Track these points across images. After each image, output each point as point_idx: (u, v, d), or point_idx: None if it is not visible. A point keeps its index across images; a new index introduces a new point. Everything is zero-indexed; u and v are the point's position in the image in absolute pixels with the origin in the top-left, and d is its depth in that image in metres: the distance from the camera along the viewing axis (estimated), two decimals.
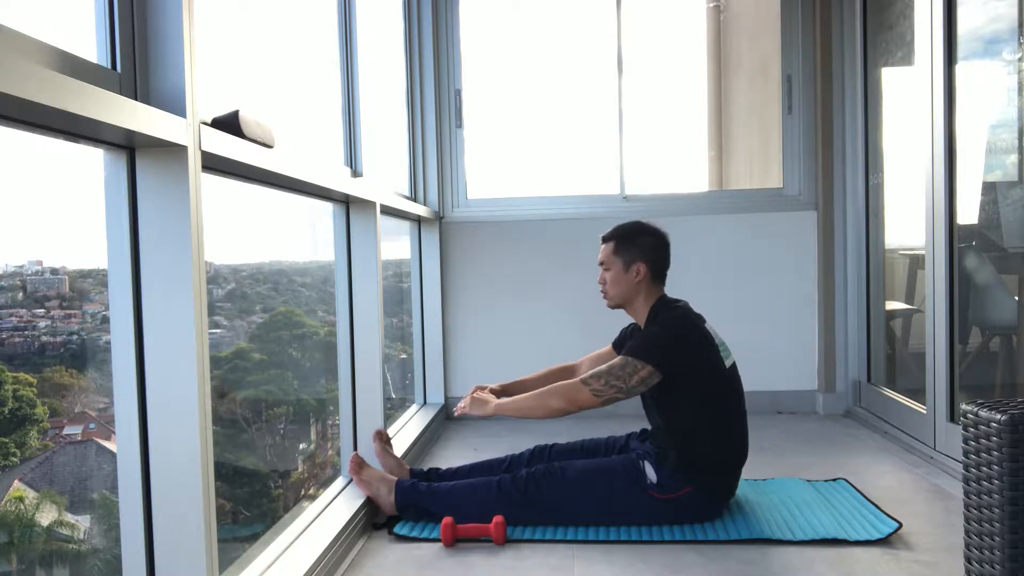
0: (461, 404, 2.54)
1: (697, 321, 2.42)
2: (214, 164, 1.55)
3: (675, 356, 2.33)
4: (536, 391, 2.43)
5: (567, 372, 2.72)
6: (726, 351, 2.42)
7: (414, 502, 2.38)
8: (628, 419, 3.77)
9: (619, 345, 2.67)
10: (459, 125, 4.07)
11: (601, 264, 2.51)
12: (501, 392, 2.60)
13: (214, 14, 1.76)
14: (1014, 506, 1.55)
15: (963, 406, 1.69)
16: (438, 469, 2.64)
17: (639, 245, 2.46)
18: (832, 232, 3.89)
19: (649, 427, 2.56)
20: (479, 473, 2.56)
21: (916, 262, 3.42)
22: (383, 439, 2.63)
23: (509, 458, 2.60)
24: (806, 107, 3.92)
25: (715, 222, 3.95)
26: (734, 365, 2.44)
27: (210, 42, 1.59)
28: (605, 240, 2.53)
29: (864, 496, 2.52)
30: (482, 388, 2.58)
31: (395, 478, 2.45)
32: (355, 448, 2.62)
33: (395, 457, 2.63)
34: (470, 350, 4.02)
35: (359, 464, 2.45)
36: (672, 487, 2.30)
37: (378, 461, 2.60)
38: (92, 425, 2.00)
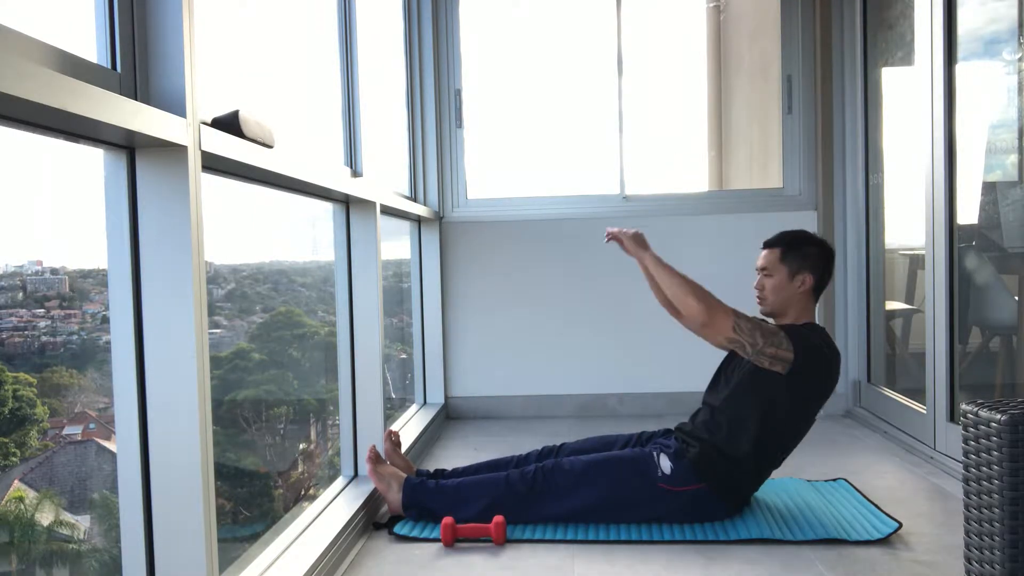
0: (619, 229, 2.49)
1: (839, 364, 2.39)
2: (214, 164, 1.55)
3: (812, 367, 2.30)
4: (686, 276, 2.37)
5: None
6: (824, 405, 2.41)
7: (420, 501, 2.38)
8: (629, 419, 3.77)
9: None
10: (459, 125, 4.07)
11: (763, 270, 2.45)
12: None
13: (214, 14, 1.76)
14: (1014, 506, 1.55)
15: (963, 406, 1.69)
16: (443, 470, 2.63)
17: (808, 255, 2.42)
18: (832, 232, 3.89)
19: (653, 427, 2.55)
20: (485, 472, 2.55)
21: (916, 262, 3.42)
22: (393, 439, 2.63)
23: (516, 458, 2.60)
24: (806, 107, 3.92)
25: (715, 222, 3.95)
26: (816, 420, 2.43)
27: (210, 42, 1.59)
28: (769, 245, 2.47)
29: (864, 496, 2.52)
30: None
31: (405, 475, 2.46)
32: (355, 448, 2.62)
33: (403, 458, 2.63)
34: (470, 350, 4.02)
35: (376, 456, 2.45)
36: (683, 481, 2.30)
37: (387, 461, 2.60)
38: (92, 425, 2.00)
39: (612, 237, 2.50)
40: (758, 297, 2.47)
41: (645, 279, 2.56)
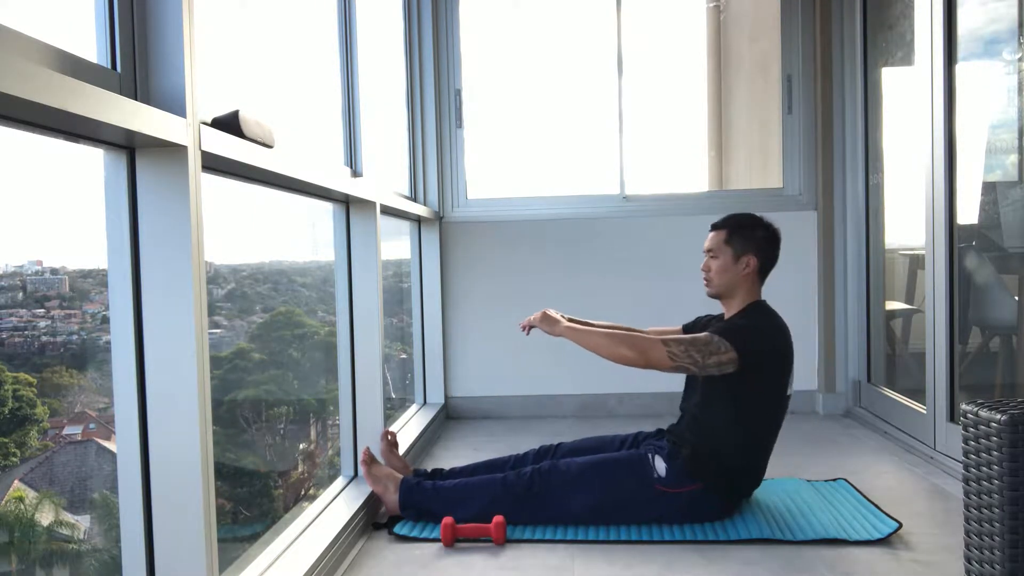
0: (530, 318, 2.51)
1: (789, 338, 2.40)
2: (214, 164, 1.55)
3: (761, 360, 2.31)
4: (610, 332, 2.39)
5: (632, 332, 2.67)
6: (792, 379, 2.41)
7: (417, 502, 2.38)
8: (629, 419, 3.77)
9: (690, 329, 2.64)
10: (459, 125, 4.07)
11: (708, 252, 2.47)
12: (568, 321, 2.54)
13: (214, 14, 1.76)
14: (1014, 506, 1.55)
15: (963, 406, 1.69)
16: (441, 470, 2.64)
17: (753, 238, 2.43)
18: (832, 232, 3.89)
19: (654, 427, 2.55)
20: (483, 472, 2.56)
21: (916, 262, 3.42)
22: (390, 439, 2.63)
23: (513, 458, 2.60)
24: (806, 107, 3.92)
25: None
26: (791, 396, 2.43)
27: (210, 42, 1.59)
28: (716, 228, 2.49)
29: (864, 496, 2.52)
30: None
31: (401, 476, 2.46)
32: (355, 448, 2.62)
33: (400, 458, 2.63)
34: (470, 350, 4.02)
35: (371, 458, 2.45)
36: (679, 482, 2.30)
37: (384, 461, 2.60)
38: (92, 425, 2.00)
39: (526, 328, 2.52)
40: (704, 279, 2.48)
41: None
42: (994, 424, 1.58)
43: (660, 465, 2.32)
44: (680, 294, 3.91)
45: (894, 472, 2.88)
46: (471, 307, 4.02)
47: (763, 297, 2.48)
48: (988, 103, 3.02)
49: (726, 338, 2.29)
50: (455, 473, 2.59)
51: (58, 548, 1.87)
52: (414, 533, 2.31)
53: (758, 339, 2.33)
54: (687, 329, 2.66)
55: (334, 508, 2.30)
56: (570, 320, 2.56)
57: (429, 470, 2.64)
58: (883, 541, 2.17)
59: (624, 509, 2.33)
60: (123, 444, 1.38)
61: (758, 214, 2.50)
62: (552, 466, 2.36)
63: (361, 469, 2.44)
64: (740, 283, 2.43)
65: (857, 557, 2.09)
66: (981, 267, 3.06)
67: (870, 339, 3.77)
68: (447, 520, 2.23)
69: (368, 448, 2.49)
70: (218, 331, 2.51)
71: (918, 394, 3.17)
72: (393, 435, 2.65)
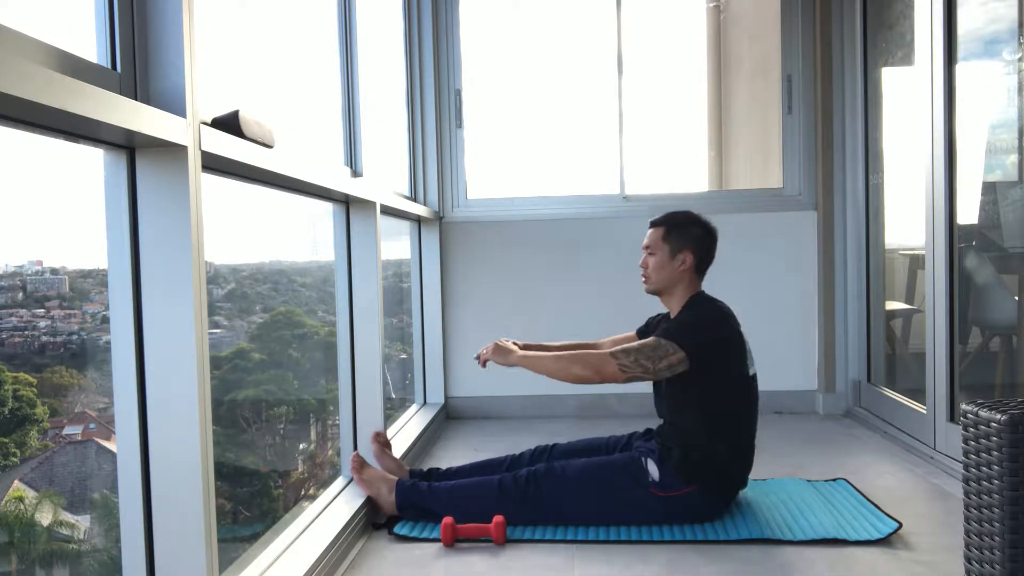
0: (483, 351, 2.53)
1: (734, 323, 2.42)
2: (214, 164, 1.55)
3: (708, 351, 2.33)
4: (561, 354, 2.42)
5: (588, 348, 2.70)
6: (751, 360, 2.42)
7: (415, 502, 2.38)
8: (629, 419, 3.77)
9: (644, 332, 2.66)
10: (459, 125, 4.07)
11: (646, 248, 2.49)
12: (522, 348, 2.57)
13: (214, 14, 1.76)
14: (1014, 506, 1.55)
15: (963, 406, 1.69)
16: (438, 469, 2.64)
17: (689, 235, 2.46)
18: (832, 232, 3.89)
19: (654, 426, 2.55)
20: (479, 473, 2.56)
21: (916, 262, 3.42)
22: (381, 441, 2.63)
23: (509, 458, 2.60)
24: (806, 107, 3.92)
25: (715, 222, 3.93)
26: (755, 375, 2.44)
27: (210, 42, 1.59)
28: (654, 225, 2.51)
29: (864, 496, 2.52)
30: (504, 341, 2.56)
31: (396, 478, 2.45)
32: (355, 448, 2.62)
33: (394, 459, 2.63)
34: (470, 350, 4.01)
35: (360, 463, 2.45)
36: (674, 485, 2.30)
37: (376, 463, 2.60)
38: (92, 425, 2.00)
39: (481, 361, 2.54)
40: (642, 275, 2.50)
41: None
42: (994, 424, 1.58)
43: (653, 469, 2.32)
44: None
45: (894, 472, 2.88)
46: (471, 307, 4.02)
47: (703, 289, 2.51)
48: (988, 103, 3.02)
49: (671, 339, 2.31)
50: (451, 473, 2.59)
51: (58, 548, 1.87)
52: (414, 533, 2.31)
53: (701, 331, 2.35)
54: (640, 332, 2.68)
55: (334, 508, 2.30)
56: (524, 346, 2.60)
57: (425, 469, 2.64)
58: (883, 541, 2.17)
59: (621, 514, 2.33)
60: (123, 444, 1.38)
61: (695, 212, 2.53)
62: (548, 469, 2.36)
63: (353, 475, 2.44)
64: (677, 279, 2.46)
65: (857, 557, 2.09)
66: (981, 267, 3.06)
67: (870, 339, 3.77)
68: (447, 520, 2.23)
69: (356, 453, 2.49)
70: (218, 331, 2.52)
71: (918, 394, 3.17)
72: (384, 436, 2.64)
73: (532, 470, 2.37)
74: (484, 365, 2.55)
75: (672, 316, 2.49)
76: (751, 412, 2.42)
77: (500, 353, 2.48)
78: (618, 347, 2.36)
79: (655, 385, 2.48)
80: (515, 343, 2.57)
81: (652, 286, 2.49)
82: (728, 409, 2.37)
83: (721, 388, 2.35)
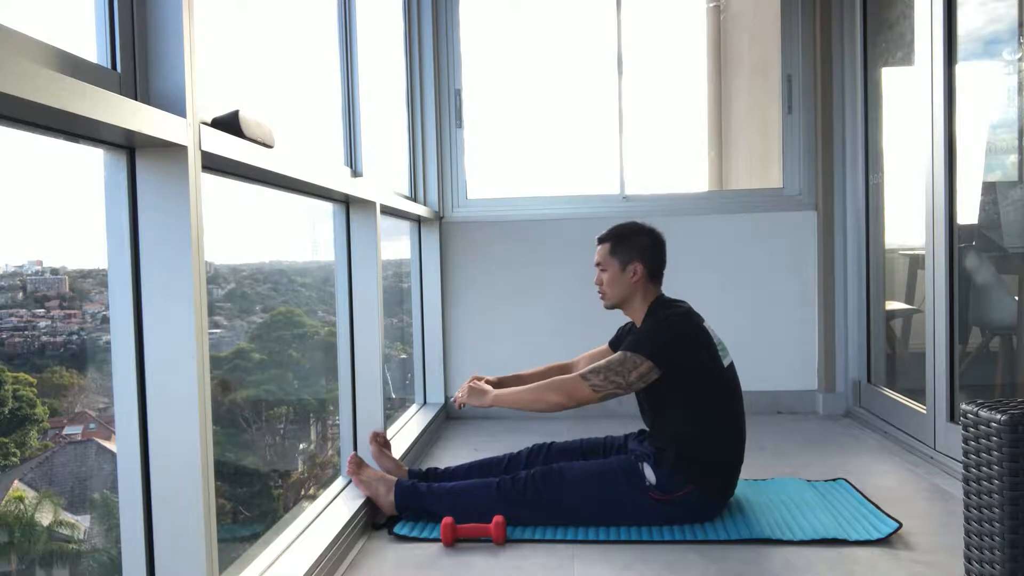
0: (459, 394, 2.55)
1: (695, 319, 2.43)
2: (214, 164, 1.55)
3: (673, 352, 2.34)
4: (534, 384, 2.44)
5: (564, 370, 2.72)
6: (724, 350, 2.43)
7: (413, 503, 2.38)
8: (628, 419, 3.77)
9: (616, 343, 2.68)
10: (459, 125, 4.07)
11: (598, 265, 2.53)
12: (497, 384, 2.60)
13: (214, 14, 1.76)
14: (1014, 506, 1.55)
15: (963, 406, 1.69)
16: (436, 469, 2.64)
17: (635, 245, 2.48)
18: (832, 232, 3.89)
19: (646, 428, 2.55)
20: (477, 473, 2.56)
21: (916, 262, 3.42)
22: (380, 441, 2.63)
23: (507, 457, 2.60)
24: (806, 107, 3.92)
25: (715, 222, 3.95)
26: (732, 365, 2.44)
27: (210, 42, 1.59)
28: (601, 241, 2.55)
29: (864, 496, 2.52)
30: (479, 378, 2.59)
31: (394, 478, 2.45)
32: (355, 448, 2.62)
33: (392, 459, 2.62)
34: (470, 350, 4.02)
35: (358, 464, 2.45)
36: (671, 487, 2.30)
37: (375, 463, 2.60)
38: (92, 425, 2.00)
39: (458, 403, 2.56)
40: (599, 292, 2.53)
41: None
42: (994, 424, 1.58)
43: (649, 473, 2.32)
44: (679, 294, 3.90)
45: (894, 472, 2.88)
46: (471, 307, 4.02)
47: (664, 292, 2.53)
48: (988, 103, 3.02)
49: (636, 351, 2.33)
50: (449, 473, 2.59)
51: (58, 548, 1.87)
52: (414, 533, 2.31)
53: (660, 335, 2.36)
54: (612, 345, 2.70)
55: (334, 508, 2.30)
56: (499, 381, 2.62)
57: (424, 469, 2.64)
58: (883, 541, 2.17)
59: (621, 518, 2.33)
60: (123, 444, 1.38)
61: (640, 221, 2.56)
62: (546, 473, 2.36)
63: (351, 477, 2.44)
64: (633, 290, 2.48)
65: (857, 557, 2.09)
66: (981, 267, 3.06)
67: (870, 339, 3.77)
68: (447, 520, 2.23)
69: (355, 454, 2.49)
70: (218, 331, 2.52)
71: (918, 394, 3.17)
72: (383, 436, 2.64)
73: (530, 473, 2.37)
74: (460, 407, 2.57)
75: (637, 327, 2.50)
76: (733, 401, 2.42)
77: (475, 395, 2.50)
78: (587, 368, 2.38)
79: (636, 397, 2.49)
80: (487, 380, 2.59)
81: (609, 301, 2.52)
82: (707, 404, 2.37)
83: (697, 384, 2.36)
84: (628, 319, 2.64)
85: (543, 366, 2.78)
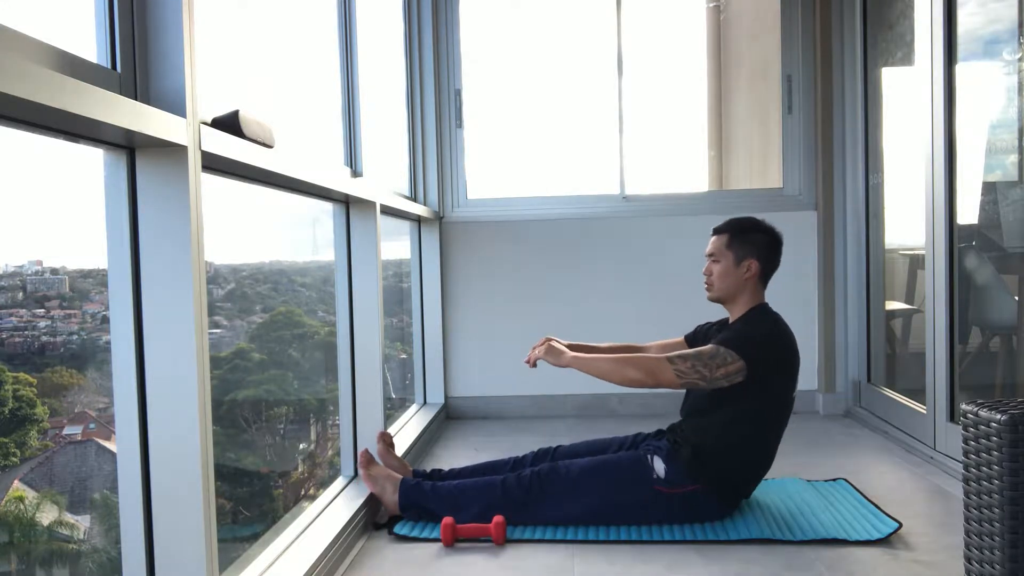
0: (535, 351, 2.47)
1: (795, 342, 2.40)
2: (214, 164, 1.55)
3: (769, 364, 2.31)
4: (615, 356, 2.38)
5: (635, 351, 2.65)
6: (796, 383, 2.42)
7: (417, 502, 2.38)
8: (629, 419, 3.77)
9: (693, 339, 2.63)
10: (459, 125, 4.07)
11: (710, 256, 2.46)
12: (571, 349, 2.51)
13: (214, 14, 1.76)
14: (1014, 506, 1.55)
15: (963, 406, 1.69)
16: (440, 470, 2.63)
17: (754, 241, 2.43)
18: (832, 232, 3.89)
19: (654, 427, 2.55)
20: (482, 474, 2.55)
21: (916, 262, 3.42)
22: (386, 440, 2.63)
23: (512, 460, 2.60)
24: (806, 107, 3.92)
25: (715, 222, 3.92)
26: (794, 400, 2.43)
27: (210, 42, 1.59)
28: (717, 232, 2.49)
29: (864, 496, 2.52)
30: (551, 339, 2.50)
31: (400, 476, 2.46)
32: (355, 448, 2.62)
33: (398, 458, 2.63)
34: (470, 350, 4.02)
35: (368, 460, 2.45)
36: (679, 482, 2.30)
37: (381, 462, 2.60)
38: (92, 425, 2.00)
39: (531, 362, 2.48)
40: (706, 283, 2.48)
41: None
42: (994, 424, 1.58)
43: (659, 465, 2.31)
44: (680, 294, 3.91)
45: (894, 472, 2.88)
46: (471, 307, 4.02)
47: (765, 300, 2.48)
48: (988, 103, 3.02)
49: (732, 348, 2.28)
50: (454, 474, 2.59)
51: (58, 548, 1.88)
52: (414, 533, 2.31)
53: (765, 347, 2.32)
54: (689, 340, 2.65)
55: (334, 508, 2.30)
56: (570, 346, 2.54)
57: (428, 471, 2.64)
58: (883, 541, 2.17)
59: (623, 511, 2.32)
60: (123, 444, 1.38)
61: (759, 217, 2.50)
62: (551, 469, 2.36)
63: (360, 471, 2.44)
64: (742, 287, 2.43)
65: (857, 557, 2.09)
66: (981, 267, 3.06)
67: (870, 339, 3.77)
68: (447, 520, 2.23)
69: (367, 450, 2.49)
70: (218, 331, 2.52)
71: (918, 394, 3.17)
72: (389, 436, 2.65)
73: (535, 470, 2.37)
74: (534, 364, 2.49)
75: (731, 323, 2.46)
76: (779, 432, 2.41)
77: (552, 353, 2.42)
78: (675, 352, 2.33)
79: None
80: (564, 343, 2.51)
81: (716, 293, 2.46)
82: (761, 424, 2.35)
83: (763, 403, 2.33)
84: (707, 322, 2.63)
85: (615, 343, 2.68)
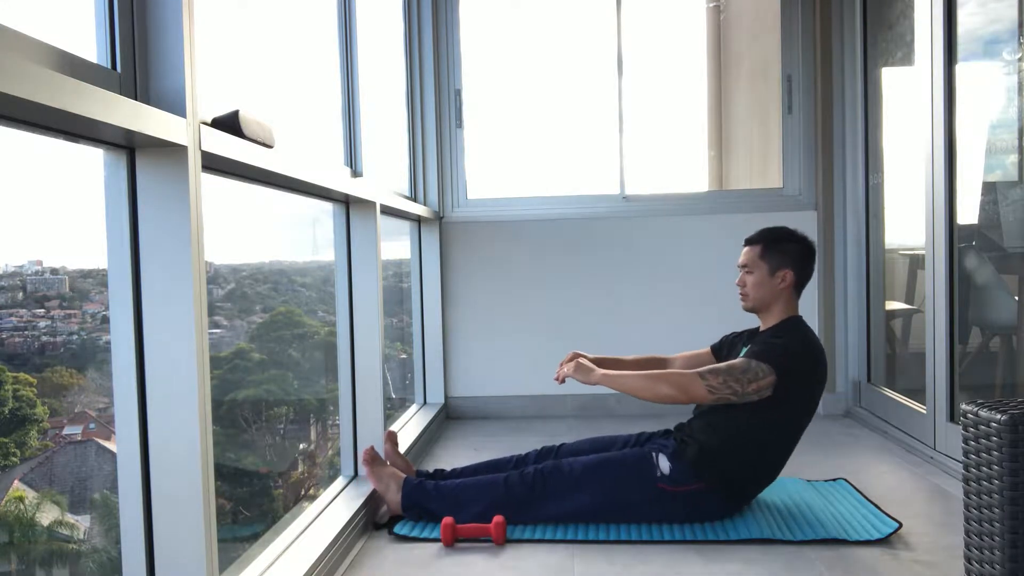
0: (564, 369, 2.46)
1: (825, 359, 2.39)
2: (214, 164, 1.55)
3: (799, 378, 2.30)
4: (645, 372, 2.37)
5: (660, 363, 2.65)
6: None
7: (419, 502, 2.38)
8: (629, 419, 3.77)
9: (718, 349, 2.63)
10: (459, 125, 4.07)
11: (743, 267, 2.46)
12: (597, 364, 2.49)
13: (214, 14, 1.76)
14: (1014, 506, 1.55)
15: (963, 406, 1.69)
16: (443, 470, 2.63)
17: (788, 252, 2.42)
18: (832, 232, 3.89)
19: (655, 427, 2.54)
20: (485, 472, 2.55)
21: (916, 262, 3.42)
22: (393, 440, 2.63)
23: (515, 458, 2.60)
24: (806, 107, 3.92)
25: (715, 222, 3.95)
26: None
27: (210, 42, 1.59)
28: (750, 243, 2.48)
29: (864, 496, 2.52)
30: (579, 355, 2.49)
31: (404, 475, 2.46)
32: (355, 448, 2.62)
33: (403, 458, 2.63)
34: (470, 350, 4.02)
35: (373, 457, 2.45)
36: (682, 480, 2.30)
37: (386, 460, 2.60)
38: (92, 425, 2.01)
39: (560, 379, 2.47)
40: (741, 294, 2.47)
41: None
42: (994, 424, 1.58)
43: (664, 463, 2.32)
44: (680, 294, 3.92)
45: (894, 472, 2.88)
46: (471, 307, 4.02)
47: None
48: (988, 103, 3.02)
49: (764, 361, 2.27)
50: (456, 474, 2.59)
51: (58, 548, 1.88)
52: (414, 533, 2.31)
53: (797, 363, 2.31)
54: (715, 351, 2.64)
55: (334, 508, 2.30)
56: (596, 360, 2.52)
57: (431, 471, 2.64)
58: (883, 541, 2.17)
59: (626, 508, 2.32)
60: (123, 444, 1.38)
61: (791, 227, 2.49)
62: (554, 466, 2.36)
63: (364, 468, 2.44)
64: (777, 297, 2.42)
65: (857, 557, 2.09)
66: (981, 267, 3.06)
67: (870, 339, 3.77)
68: (447, 520, 2.23)
69: (372, 447, 2.49)
70: (218, 331, 2.52)
71: (918, 394, 3.17)
72: (395, 436, 2.65)
73: (539, 467, 2.37)
74: (563, 381, 2.48)
75: (761, 332, 2.46)
76: (794, 442, 2.40)
77: (582, 371, 2.41)
78: (706, 367, 2.32)
79: None
80: (590, 359, 2.50)
81: (751, 304, 2.46)
82: (781, 431, 2.35)
83: (786, 415, 2.33)
84: (731, 332, 2.63)
85: (639, 356, 2.67)
